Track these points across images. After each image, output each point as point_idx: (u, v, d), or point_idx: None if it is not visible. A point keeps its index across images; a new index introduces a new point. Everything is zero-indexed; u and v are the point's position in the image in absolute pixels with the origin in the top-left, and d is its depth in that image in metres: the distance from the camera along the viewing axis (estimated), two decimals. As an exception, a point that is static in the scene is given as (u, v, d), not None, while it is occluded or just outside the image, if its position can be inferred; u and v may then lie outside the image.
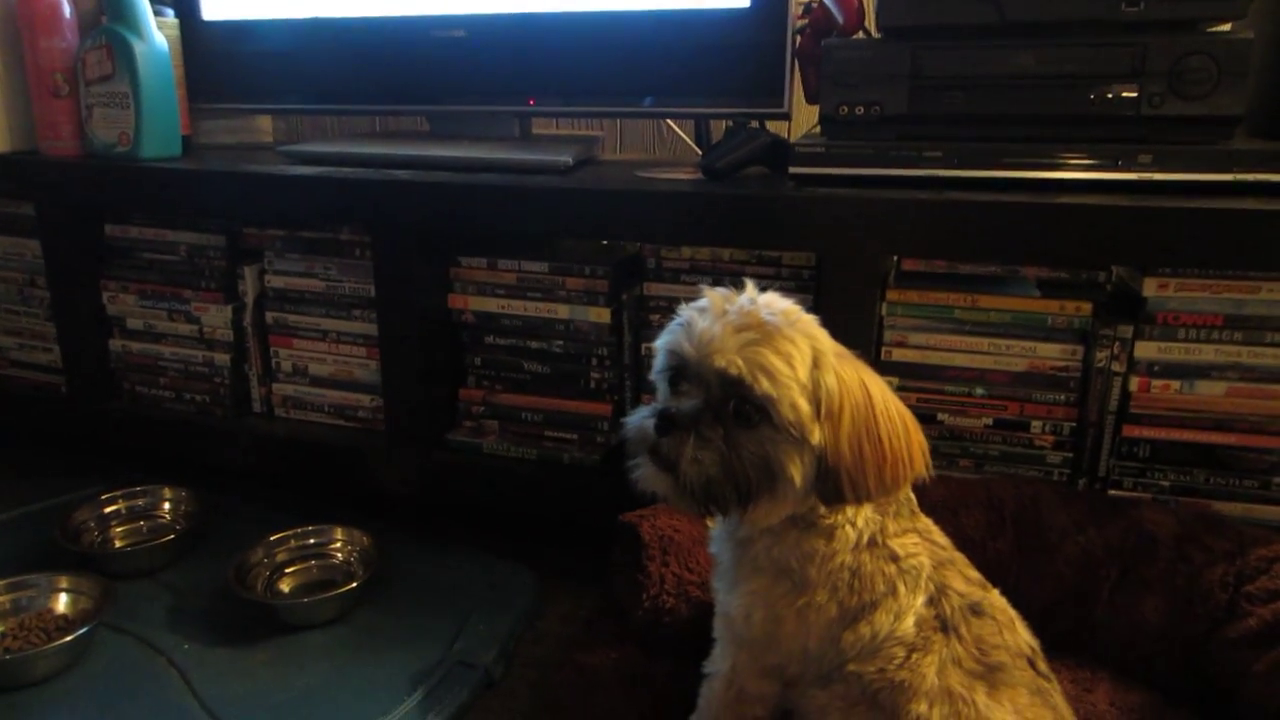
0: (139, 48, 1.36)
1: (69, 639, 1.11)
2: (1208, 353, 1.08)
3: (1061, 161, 1.05)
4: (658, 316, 1.27)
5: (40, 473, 1.64)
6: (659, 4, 1.28)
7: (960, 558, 0.83)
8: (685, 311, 0.78)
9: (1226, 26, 1.06)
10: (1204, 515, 1.04)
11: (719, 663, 0.86)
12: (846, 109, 1.12)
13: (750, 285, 0.78)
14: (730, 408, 0.73)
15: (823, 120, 1.14)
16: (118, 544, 1.40)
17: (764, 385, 0.72)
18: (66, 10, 1.41)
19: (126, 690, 1.10)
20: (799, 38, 1.25)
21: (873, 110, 1.11)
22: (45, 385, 1.63)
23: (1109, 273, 1.12)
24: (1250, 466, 1.09)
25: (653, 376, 0.82)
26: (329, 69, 1.45)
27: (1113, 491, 1.13)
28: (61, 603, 1.21)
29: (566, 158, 1.25)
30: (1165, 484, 1.12)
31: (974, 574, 0.82)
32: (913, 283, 1.16)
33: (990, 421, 1.16)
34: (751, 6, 1.24)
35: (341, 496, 1.44)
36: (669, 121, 1.65)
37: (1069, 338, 1.12)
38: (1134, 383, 1.10)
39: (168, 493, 1.46)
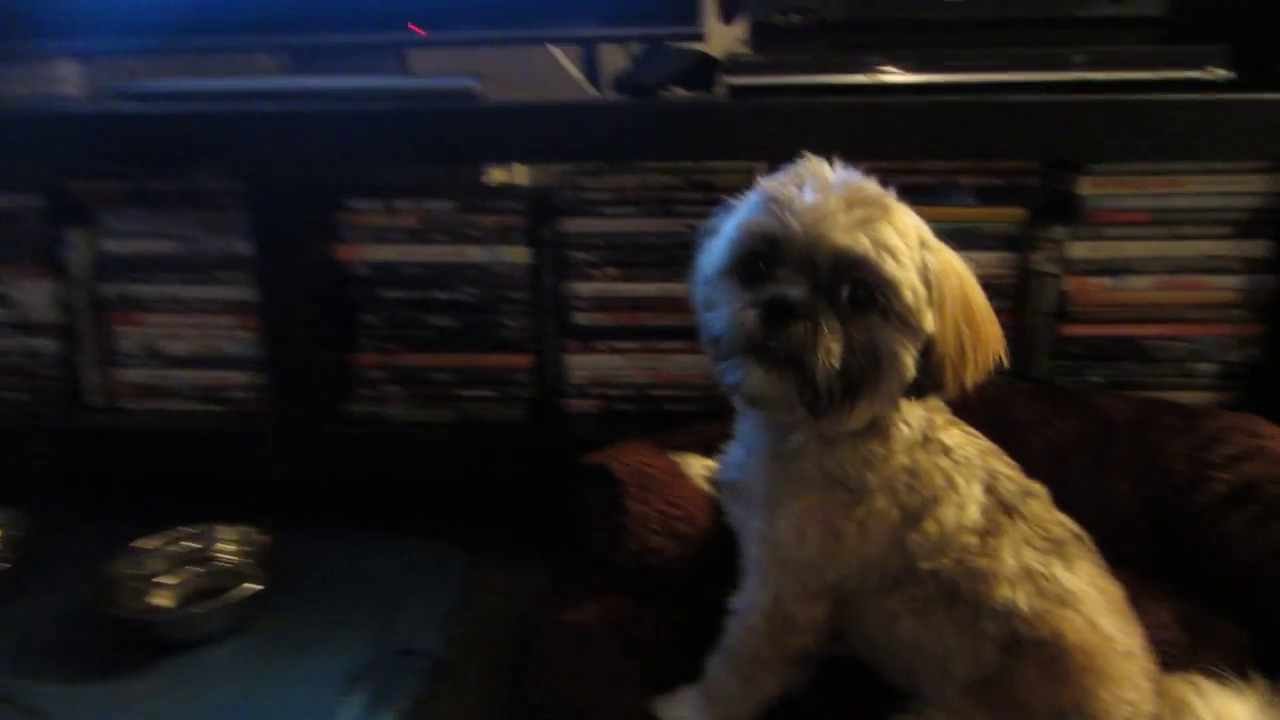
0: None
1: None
2: (1135, 249, 1.11)
3: (999, 63, 1.05)
4: (582, 254, 1.17)
5: None
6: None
7: (994, 445, 0.80)
8: (771, 187, 0.69)
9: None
10: (1152, 399, 1.07)
11: (756, 594, 0.78)
12: (783, 16, 1.07)
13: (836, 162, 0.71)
14: (845, 294, 0.66)
15: (756, 29, 1.09)
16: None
17: (889, 266, 0.65)
18: None
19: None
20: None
21: (810, 16, 1.08)
22: None
23: (1041, 178, 1.13)
24: (1171, 356, 1.14)
25: (709, 276, 0.72)
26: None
27: (1054, 391, 1.15)
28: None
29: (473, 83, 1.13)
30: (1099, 380, 1.15)
31: (1009, 459, 0.80)
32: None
33: (931, 334, 1.15)
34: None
35: (222, 493, 1.23)
36: (557, 53, 1.53)
37: (1005, 244, 1.12)
38: (1070, 283, 1.12)
39: (-11, 515, 1.20)
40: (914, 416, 0.75)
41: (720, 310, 0.69)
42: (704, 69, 1.14)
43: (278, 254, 1.13)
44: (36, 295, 1.22)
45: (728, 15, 1.20)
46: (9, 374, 1.25)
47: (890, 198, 0.69)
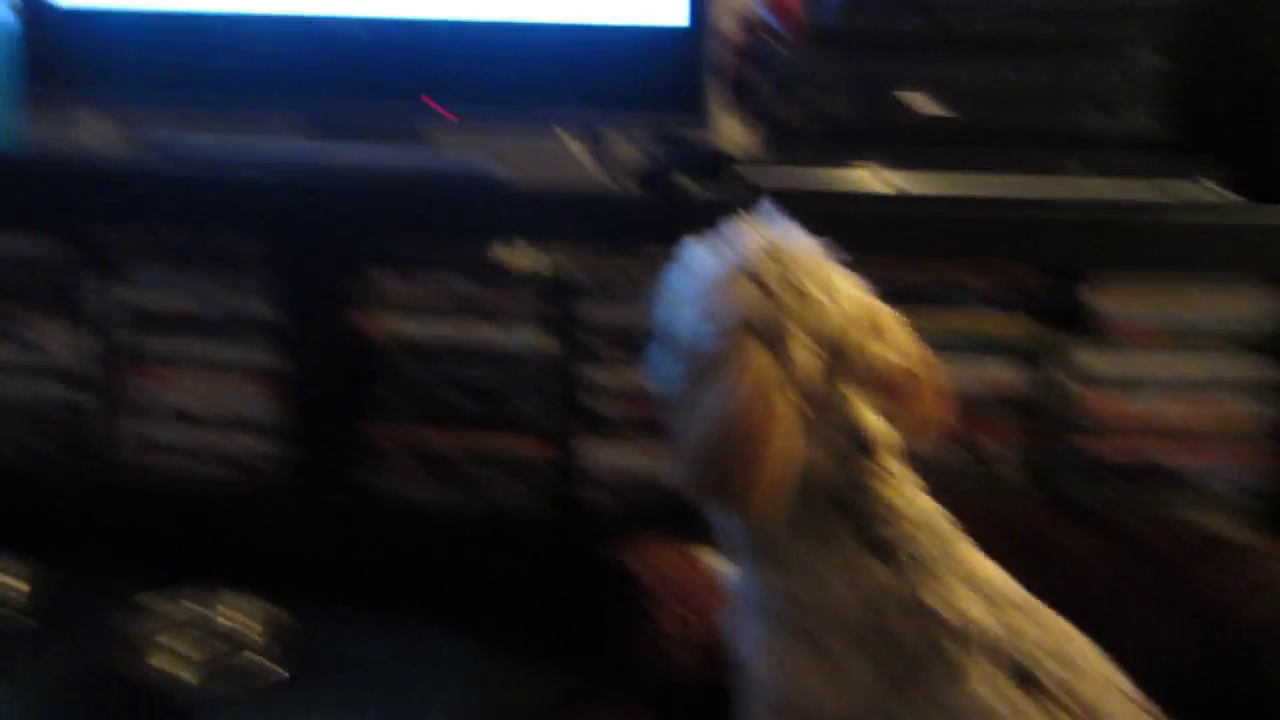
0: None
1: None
2: (1149, 364, 1.11)
3: (1008, 173, 1.08)
4: (603, 341, 1.17)
5: None
6: (587, 17, 1.21)
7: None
8: None
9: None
10: (1204, 532, 1.04)
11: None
12: (791, 115, 1.10)
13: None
14: None
15: (765, 125, 1.12)
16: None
17: None
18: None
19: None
20: (730, 54, 1.22)
21: (818, 117, 1.10)
22: None
23: (1052, 288, 1.14)
24: (1190, 478, 1.12)
25: None
26: (189, 60, 1.26)
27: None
28: None
29: (509, 170, 1.14)
30: (1115, 498, 1.13)
31: (1046, 613, 0.70)
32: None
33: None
34: (691, 25, 1.20)
35: (220, 559, 1.20)
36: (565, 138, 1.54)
37: (1017, 355, 1.12)
38: (1084, 396, 1.11)
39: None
40: None
41: None
42: (713, 162, 1.16)
43: (303, 320, 1.14)
44: (58, 342, 1.21)
45: (736, 109, 1.22)
46: (30, 420, 1.25)
47: None
